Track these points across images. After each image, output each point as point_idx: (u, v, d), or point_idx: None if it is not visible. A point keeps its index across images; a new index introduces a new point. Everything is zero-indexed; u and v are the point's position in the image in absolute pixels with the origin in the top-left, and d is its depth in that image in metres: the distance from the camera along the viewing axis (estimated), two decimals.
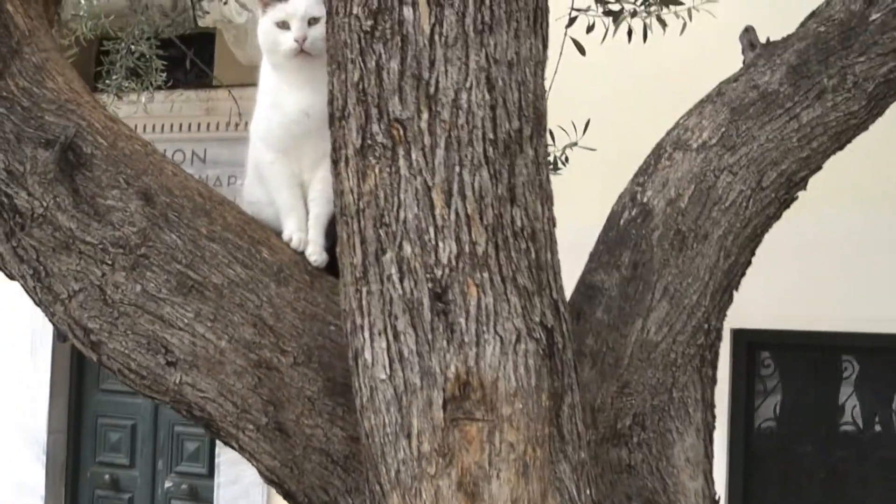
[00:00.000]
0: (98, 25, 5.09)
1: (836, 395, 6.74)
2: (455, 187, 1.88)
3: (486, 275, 1.89)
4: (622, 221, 2.42)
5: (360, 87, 1.91)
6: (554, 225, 2.03)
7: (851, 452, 6.62)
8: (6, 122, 2.14)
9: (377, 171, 1.90)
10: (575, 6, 3.69)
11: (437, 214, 1.88)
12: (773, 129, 2.41)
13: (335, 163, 1.99)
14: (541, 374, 1.93)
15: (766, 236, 2.48)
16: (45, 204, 2.13)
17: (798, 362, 6.80)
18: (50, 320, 2.24)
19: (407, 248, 1.89)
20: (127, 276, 2.14)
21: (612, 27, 3.70)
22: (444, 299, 1.89)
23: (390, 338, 1.91)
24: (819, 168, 2.48)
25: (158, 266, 2.15)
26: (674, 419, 2.40)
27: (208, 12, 4.90)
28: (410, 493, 1.91)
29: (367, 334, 1.94)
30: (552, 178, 2.11)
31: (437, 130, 1.88)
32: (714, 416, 2.49)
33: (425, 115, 1.88)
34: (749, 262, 2.48)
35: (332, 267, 2.28)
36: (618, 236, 2.40)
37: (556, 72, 3.27)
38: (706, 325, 2.40)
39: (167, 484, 7.83)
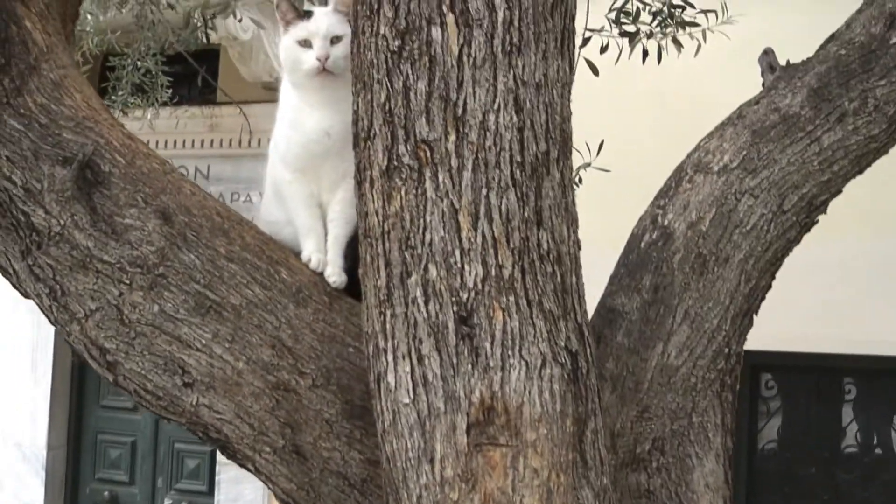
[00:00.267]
0: (104, 41, 5.09)
1: (839, 416, 6.73)
2: (482, 210, 1.86)
3: (511, 298, 1.87)
4: (643, 244, 2.39)
5: (387, 107, 1.89)
6: (579, 248, 2.01)
7: (855, 474, 6.60)
8: (24, 140, 2.12)
9: (403, 192, 1.88)
10: (588, 26, 3.67)
11: (464, 237, 1.86)
12: (794, 153, 2.39)
13: (359, 184, 1.97)
14: (565, 400, 1.91)
15: None
16: (62, 222, 2.11)
17: (801, 384, 6.78)
18: (65, 340, 2.22)
19: (432, 271, 1.87)
20: (144, 295, 2.11)
21: (626, 48, 3.69)
22: (469, 323, 1.86)
23: (414, 361, 1.89)
24: (839, 192, 2.47)
25: (176, 286, 2.12)
26: (693, 444, 2.37)
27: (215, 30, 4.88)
28: None
29: (390, 357, 1.92)
30: None
31: (465, 152, 1.86)
32: (734, 442, 2.46)
33: (453, 137, 1.86)
34: (769, 287, 2.46)
35: (350, 288, 2.26)
36: (638, 259, 2.38)
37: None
38: (726, 350, 2.38)
39: (167, 501, 7.78)
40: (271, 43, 6.45)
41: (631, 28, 3.65)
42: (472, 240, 1.86)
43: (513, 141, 1.87)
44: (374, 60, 1.91)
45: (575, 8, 2.00)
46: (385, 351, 1.93)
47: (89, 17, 4.90)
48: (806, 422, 6.76)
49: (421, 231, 1.87)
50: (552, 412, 1.89)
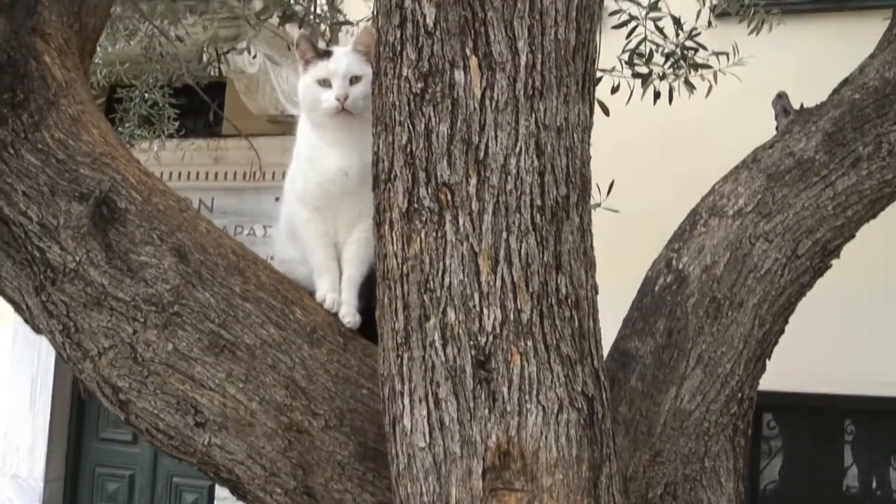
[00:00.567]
0: (113, 73, 5.10)
1: (841, 456, 6.70)
2: (502, 254, 1.86)
3: (530, 343, 1.86)
4: (657, 288, 2.39)
5: (408, 149, 1.89)
6: (596, 292, 2.01)
7: None
8: (41, 175, 2.11)
9: (423, 235, 1.88)
10: (600, 66, 3.68)
11: (483, 281, 1.85)
12: (808, 197, 2.40)
13: (379, 225, 1.97)
14: (581, 445, 1.90)
15: None
16: (77, 258, 2.10)
17: (802, 424, 6.76)
18: (77, 377, 2.20)
19: (451, 315, 1.86)
20: (159, 334, 2.10)
21: (637, 88, 3.70)
22: (487, 367, 1.86)
23: (431, 405, 1.88)
24: (853, 236, 2.47)
25: (191, 325, 2.11)
26: (706, 489, 2.36)
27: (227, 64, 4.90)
28: None
29: (406, 401, 1.91)
30: None
31: (486, 196, 1.85)
32: (746, 486, 2.45)
33: (474, 180, 1.86)
34: (782, 331, 2.45)
35: (364, 328, 2.25)
36: (652, 303, 2.38)
37: None
38: (740, 394, 2.37)
39: None
40: (278, 77, 6.47)
41: (644, 69, 3.66)
42: (492, 283, 1.85)
43: (533, 185, 1.87)
44: (397, 102, 1.91)
45: (596, 52, 2.00)
46: (402, 394, 1.91)
47: (98, 48, 4.91)
48: (807, 462, 6.73)
49: (440, 274, 1.87)
50: (568, 457, 1.88)
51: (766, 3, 4.28)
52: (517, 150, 1.86)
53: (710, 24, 4.09)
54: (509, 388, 1.86)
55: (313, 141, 2.38)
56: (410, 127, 1.89)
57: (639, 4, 3.73)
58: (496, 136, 1.86)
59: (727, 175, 2.49)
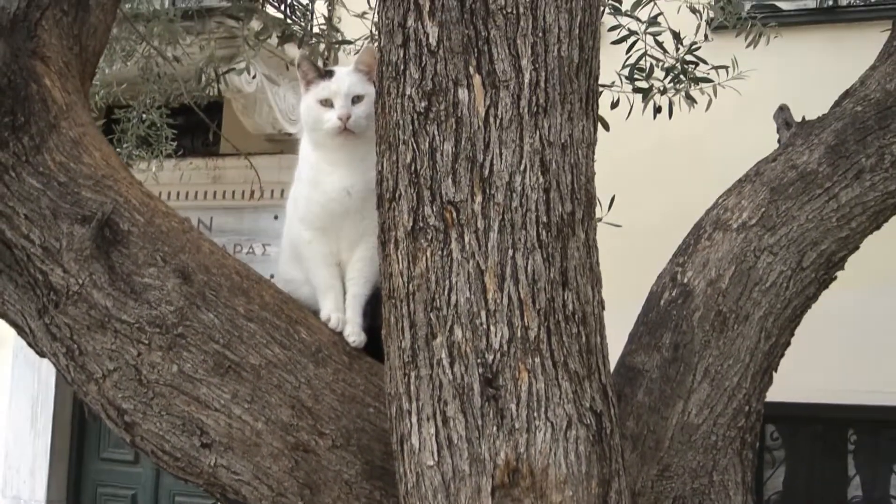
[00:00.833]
0: (110, 93, 5.10)
1: (844, 467, 6.69)
2: (508, 271, 1.85)
3: (537, 360, 1.86)
4: (662, 302, 2.39)
5: (413, 168, 1.89)
6: (603, 308, 2.00)
7: None
8: (42, 198, 2.11)
9: (429, 253, 1.87)
10: (600, 82, 3.68)
11: (490, 298, 1.85)
12: (812, 210, 2.40)
13: (384, 245, 1.96)
14: (591, 461, 1.89)
15: None
16: (80, 281, 2.09)
17: (805, 435, 6.75)
18: (82, 399, 2.19)
19: (458, 333, 1.86)
20: (163, 355, 2.09)
21: (638, 104, 3.70)
22: (494, 384, 1.85)
23: (439, 423, 1.87)
24: (857, 248, 2.47)
25: (195, 346, 2.11)
26: (714, 503, 2.35)
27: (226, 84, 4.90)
28: None
29: (414, 419, 1.90)
30: None
31: (491, 213, 1.85)
32: (754, 500, 2.44)
33: (479, 198, 1.85)
34: (788, 343, 2.45)
35: (369, 347, 2.25)
36: (658, 317, 2.37)
37: None
38: (747, 408, 2.36)
39: None
40: (275, 96, 6.47)
41: (644, 84, 3.66)
42: (499, 301, 1.85)
43: (539, 202, 1.86)
44: (400, 121, 1.90)
45: (599, 69, 2.00)
46: (409, 412, 1.91)
47: (96, 70, 4.91)
48: (811, 472, 6.72)
49: (446, 292, 1.86)
50: (577, 474, 1.87)
51: (763, 16, 4.29)
52: (522, 167, 1.86)
53: (706, 37, 4.10)
54: (517, 405, 1.85)
55: (315, 161, 2.38)
56: (415, 146, 1.89)
57: (638, 20, 3.74)
58: (501, 154, 1.86)
59: (730, 188, 2.49)
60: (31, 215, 2.10)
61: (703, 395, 2.32)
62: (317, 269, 2.35)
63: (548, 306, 1.87)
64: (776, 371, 2.44)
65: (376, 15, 2.12)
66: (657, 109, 3.78)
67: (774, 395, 2.41)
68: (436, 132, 1.87)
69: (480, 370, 1.85)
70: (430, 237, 1.88)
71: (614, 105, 3.81)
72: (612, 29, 3.76)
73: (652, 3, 3.76)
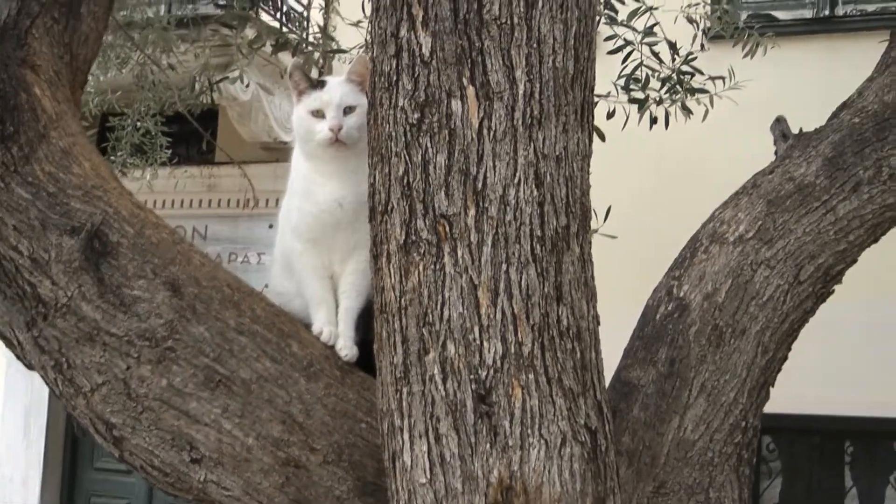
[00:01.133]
0: (105, 101, 5.08)
1: (841, 478, 6.67)
2: (501, 286, 1.82)
3: (531, 376, 1.83)
4: (658, 316, 2.36)
5: (405, 181, 1.86)
6: (598, 323, 1.97)
7: None
8: (31, 209, 2.09)
9: (421, 267, 1.85)
10: (596, 92, 3.67)
11: (483, 313, 1.82)
12: (809, 222, 2.37)
13: (376, 258, 1.93)
14: (585, 479, 1.86)
15: None
16: (69, 293, 2.06)
17: (801, 446, 6.74)
18: (70, 413, 2.17)
19: (451, 348, 1.83)
20: (153, 369, 2.07)
21: (634, 114, 3.68)
22: (488, 401, 1.82)
23: (431, 440, 1.84)
24: (855, 261, 2.45)
25: (185, 359, 2.08)
26: None
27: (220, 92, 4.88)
28: None
29: (406, 436, 1.87)
30: None
31: (485, 227, 1.82)
32: None
33: (472, 212, 1.83)
34: (785, 358, 2.42)
35: (362, 360, 2.22)
36: (654, 332, 2.35)
37: None
38: (744, 423, 2.33)
39: None
40: (271, 104, 6.45)
41: (640, 95, 3.64)
42: (492, 316, 1.82)
43: (533, 215, 1.84)
44: (393, 133, 1.88)
45: (594, 80, 1.98)
46: (401, 429, 1.88)
47: (90, 77, 4.89)
48: (808, 484, 6.70)
49: (439, 307, 1.84)
50: (572, 492, 1.85)
51: (760, 26, 4.28)
52: (516, 180, 1.83)
53: (703, 47, 4.08)
54: (511, 422, 1.82)
55: (307, 172, 2.35)
56: (407, 158, 1.86)
57: (634, 30, 3.72)
58: (495, 167, 1.83)
59: (727, 201, 2.47)
60: (20, 226, 2.08)
61: (700, 410, 2.30)
62: (309, 281, 2.32)
63: (542, 322, 1.84)
64: (773, 386, 2.42)
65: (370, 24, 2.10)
66: (653, 120, 3.76)
67: (771, 406, 2.40)
68: (429, 144, 1.84)
69: (473, 386, 1.82)
70: (422, 251, 1.85)
71: (610, 115, 3.79)
72: (609, 39, 3.75)
73: (648, 14, 3.74)
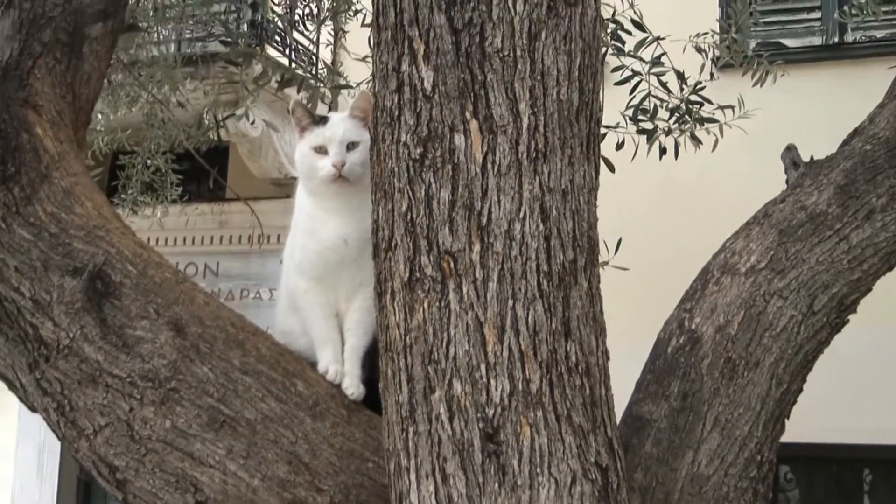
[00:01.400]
0: (115, 140, 5.08)
1: None
2: (508, 322, 1.79)
3: (539, 413, 1.80)
4: (670, 349, 2.32)
5: (409, 217, 1.83)
6: (608, 358, 1.94)
7: None
8: (33, 250, 2.08)
9: (426, 305, 1.82)
10: (604, 123, 3.65)
11: (490, 351, 1.79)
12: (822, 252, 2.34)
13: (380, 296, 1.91)
14: None
15: None
16: (71, 335, 2.05)
17: (819, 475, 6.67)
18: (73, 456, 2.14)
19: (457, 387, 1.80)
20: (156, 410, 2.04)
21: (643, 145, 3.66)
22: (495, 440, 1.79)
23: (439, 481, 1.81)
24: (869, 290, 2.41)
25: (189, 400, 2.05)
26: None
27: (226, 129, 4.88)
28: None
29: (413, 476, 1.84)
30: None
31: (490, 263, 1.80)
32: None
33: (477, 247, 1.80)
34: (800, 390, 2.38)
35: (368, 399, 2.19)
36: (665, 365, 2.31)
37: None
38: (759, 457, 2.29)
39: None
40: (280, 140, 6.46)
41: (648, 125, 3.62)
42: (499, 353, 1.79)
43: (539, 250, 1.81)
44: (395, 169, 1.86)
45: (600, 111, 1.95)
46: (408, 469, 1.85)
47: (100, 116, 4.91)
48: None
49: (444, 345, 1.81)
50: None
51: (769, 54, 4.26)
52: (521, 214, 1.81)
53: (712, 76, 4.06)
54: (520, 460, 1.79)
55: (311, 209, 2.33)
56: (410, 194, 1.84)
57: (641, 60, 3.70)
58: (499, 201, 1.80)
59: (738, 231, 2.44)
60: (22, 267, 2.08)
61: (714, 444, 2.25)
62: (314, 319, 2.30)
63: (550, 358, 1.81)
64: (788, 418, 2.37)
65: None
66: (662, 150, 3.73)
67: (788, 435, 2.36)
68: (432, 179, 1.82)
69: (481, 425, 1.79)
70: (427, 288, 1.82)
71: (619, 146, 3.77)
72: (616, 70, 3.73)
73: (656, 44, 3.73)
